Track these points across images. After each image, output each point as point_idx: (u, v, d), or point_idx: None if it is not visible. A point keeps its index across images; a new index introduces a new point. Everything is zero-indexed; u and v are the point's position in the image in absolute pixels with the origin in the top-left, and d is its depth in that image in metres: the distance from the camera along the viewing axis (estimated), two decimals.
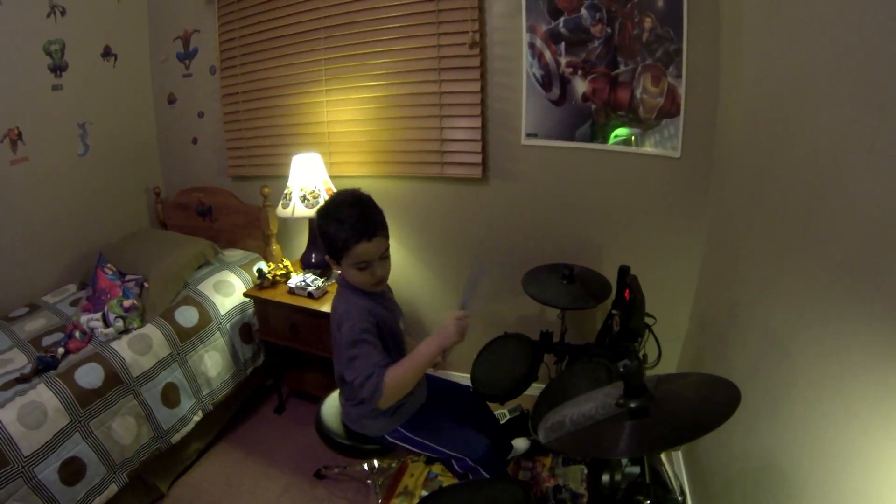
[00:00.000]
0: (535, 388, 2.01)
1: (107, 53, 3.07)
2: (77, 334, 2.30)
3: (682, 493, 1.42)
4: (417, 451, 1.83)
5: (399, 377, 1.57)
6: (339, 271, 1.70)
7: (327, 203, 1.68)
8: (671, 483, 1.54)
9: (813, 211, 1.21)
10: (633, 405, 1.08)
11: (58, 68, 2.83)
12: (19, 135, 2.67)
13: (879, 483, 0.90)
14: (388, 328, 1.73)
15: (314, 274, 2.65)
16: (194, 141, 3.35)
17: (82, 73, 2.94)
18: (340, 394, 1.90)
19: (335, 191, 2.67)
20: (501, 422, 2.47)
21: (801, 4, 1.34)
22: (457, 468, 1.81)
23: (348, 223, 1.58)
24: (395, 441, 1.83)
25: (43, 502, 1.85)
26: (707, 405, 1.07)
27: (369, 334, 1.61)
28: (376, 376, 1.54)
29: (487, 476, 1.75)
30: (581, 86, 2.30)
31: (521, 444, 2.38)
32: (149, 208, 3.45)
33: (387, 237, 1.67)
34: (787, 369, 1.28)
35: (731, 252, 1.86)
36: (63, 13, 2.80)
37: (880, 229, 0.93)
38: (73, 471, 1.94)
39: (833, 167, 1.12)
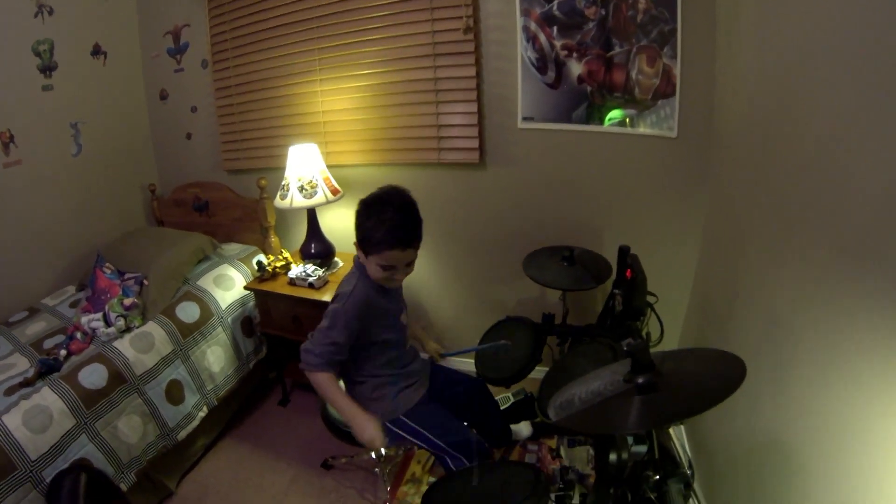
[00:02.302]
0: (539, 371, 2.03)
1: (96, 52, 3.04)
2: (78, 335, 2.29)
3: (691, 466, 1.43)
4: (416, 441, 1.85)
5: (322, 388, 1.68)
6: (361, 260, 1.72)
7: (374, 196, 1.66)
8: (679, 458, 1.56)
9: (813, 190, 1.22)
10: (640, 381, 1.09)
11: (47, 68, 2.80)
12: (11, 137, 2.64)
13: (882, 459, 0.91)
14: (387, 321, 1.77)
15: (314, 264, 2.64)
16: (188, 136, 3.33)
17: (72, 72, 2.91)
18: (343, 377, 1.90)
19: (334, 184, 2.66)
20: (506, 405, 2.48)
21: None
22: (451, 466, 1.82)
23: (388, 226, 1.58)
24: (394, 429, 1.84)
25: None
26: (713, 379, 1.08)
27: (348, 328, 1.67)
28: (320, 366, 1.67)
29: (464, 460, 1.78)
30: (576, 68, 2.29)
31: (523, 428, 2.39)
32: (145, 206, 3.44)
33: (418, 248, 1.69)
34: (790, 347, 1.30)
35: (732, 230, 1.86)
36: (51, 13, 2.76)
37: (881, 208, 0.93)
38: None
39: (833, 147, 1.12)
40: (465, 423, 1.91)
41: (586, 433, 1.91)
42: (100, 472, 1.88)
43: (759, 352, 1.45)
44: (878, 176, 0.95)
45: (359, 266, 1.75)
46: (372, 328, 1.72)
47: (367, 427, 1.62)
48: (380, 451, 1.68)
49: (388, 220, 1.58)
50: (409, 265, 1.70)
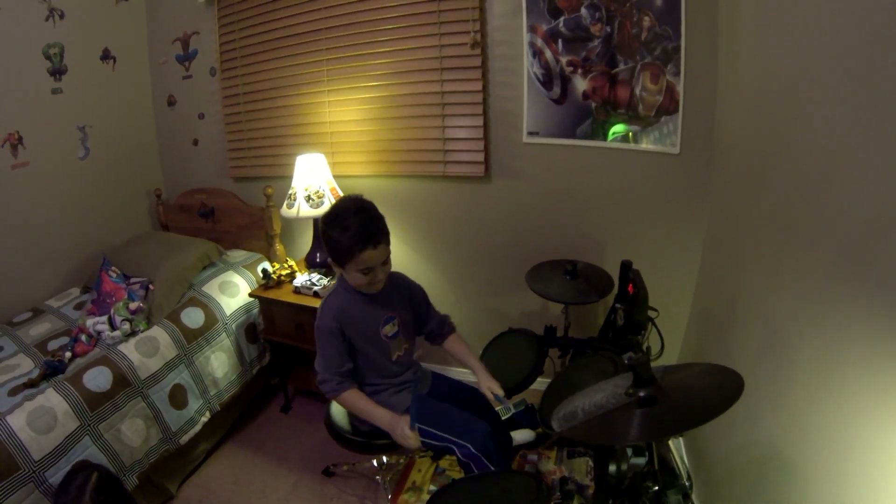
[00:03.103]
0: (540, 383, 2.05)
1: (106, 56, 3.08)
2: (83, 338, 2.30)
3: (689, 478, 1.45)
4: (422, 439, 1.86)
5: (352, 405, 1.80)
6: (339, 273, 1.78)
7: (331, 210, 1.72)
8: (678, 469, 1.58)
9: (812, 205, 1.24)
10: (642, 394, 1.12)
11: (57, 72, 2.83)
12: (20, 139, 2.67)
13: (880, 470, 0.92)
14: (361, 331, 1.81)
15: (319, 273, 2.67)
16: (195, 142, 3.36)
17: (82, 76, 2.94)
18: None
19: (340, 194, 2.69)
20: (507, 416, 2.49)
21: (798, 1, 1.37)
22: (460, 455, 1.83)
23: (353, 230, 1.63)
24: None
25: None
26: (712, 392, 1.11)
27: (332, 336, 1.75)
28: (335, 384, 1.76)
29: (489, 464, 1.79)
30: (581, 84, 2.33)
31: (525, 435, 2.41)
32: (150, 211, 3.46)
33: (388, 243, 1.74)
34: (789, 359, 1.31)
35: (732, 245, 1.89)
36: (62, 16, 2.80)
37: (878, 222, 0.95)
38: None
39: (832, 162, 1.15)
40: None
41: (589, 444, 1.93)
42: (112, 473, 1.89)
43: (758, 364, 1.48)
44: (874, 190, 0.97)
45: (339, 280, 1.82)
46: (351, 335, 1.79)
47: (397, 427, 1.70)
48: (416, 448, 1.73)
49: (350, 224, 1.63)
50: (386, 263, 1.75)
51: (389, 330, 1.86)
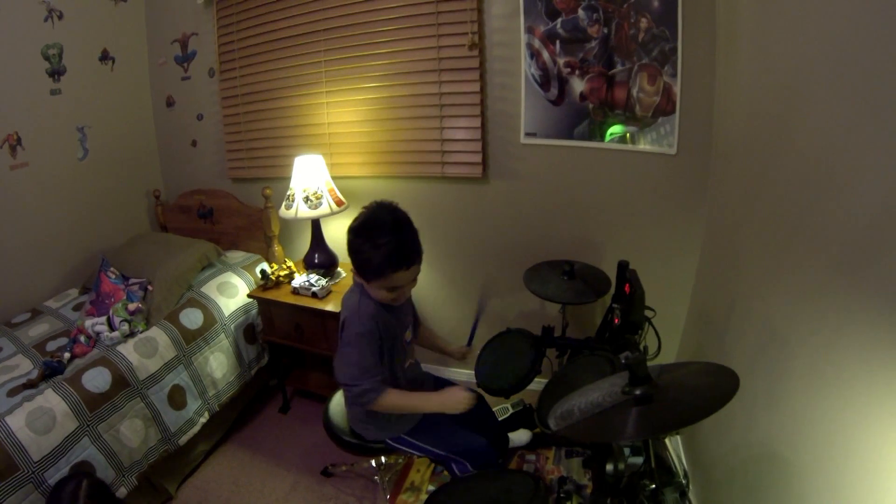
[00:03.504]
0: (538, 383, 2.05)
1: (105, 57, 3.08)
2: (82, 338, 2.30)
3: (686, 476, 1.46)
4: (418, 454, 1.87)
5: (395, 405, 1.67)
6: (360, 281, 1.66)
7: (365, 222, 1.57)
8: (675, 468, 1.59)
9: (809, 206, 1.25)
10: (638, 392, 1.13)
11: (56, 72, 2.83)
12: (18, 140, 2.67)
13: (877, 470, 0.93)
14: (389, 336, 1.70)
15: (318, 274, 2.67)
16: (194, 143, 3.36)
17: (81, 76, 2.95)
18: (343, 393, 1.92)
19: (339, 195, 2.69)
20: (505, 416, 2.51)
21: (795, 2, 1.37)
22: (456, 471, 1.84)
23: (387, 249, 1.51)
24: (396, 445, 1.86)
25: None
26: (708, 390, 1.12)
27: (372, 341, 1.61)
28: (376, 392, 1.60)
29: None
30: (579, 85, 2.34)
31: (522, 436, 2.42)
32: (149, 211, 3.46)
33: (421, 261, 1.62)
34: (786, 359, 1.32)
35: (730, 246, 1.90)
36: (60, 17, 2.80)
37: (876, 224, 0.96)
38: None
39: (829, 163, 1.15)
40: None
41: (585, 442, 1.94)
42: (100, 480, 1.90)
43: (755, 364, 1.48)
44: (871, 192, 0.98)
45: (359, 284, 1.68)
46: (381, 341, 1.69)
47: (452, 404, 1.65)
48: (472, 401, 1.64)
49: (385, 243, 1.50)
50: (414, 280, 1.66)
51: (408, 335, 1.82)
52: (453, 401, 1.63)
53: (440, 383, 2.05)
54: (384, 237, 1.51)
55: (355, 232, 1.57)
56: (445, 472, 2.32)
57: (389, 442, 1.86)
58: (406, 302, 1.81)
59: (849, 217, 1.06)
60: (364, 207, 1.62)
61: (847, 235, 1.07)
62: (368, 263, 1.54)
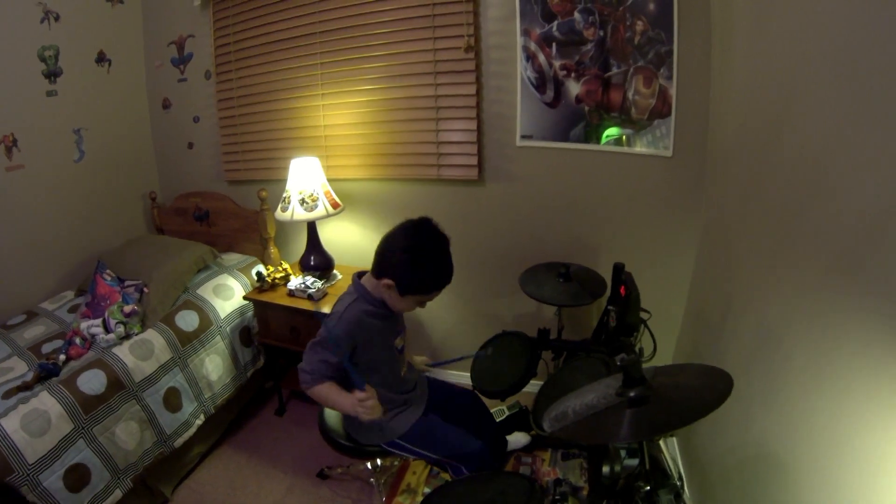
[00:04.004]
0: (534, 385, 2.05)
1: (101, 59, 3.08)
2: (78, 341, 2.30)
3: (681, 478, 1.47)
4: (413, 457, 1.88)
5: (322, 397, 1.69)
6: (387, 293, 1.68)
7: (413, 240, 1.66)
8: (670, 469, 1.59)
9: (804, 208, 1.25)
10: (632, 394, 1.13)
11: (52, 74, 2.83)
12: (14, 141, 2.67)
13: (872, 470, 0.93)
14: (376, 345, 1.74)
15: (314, 276, 2.67)
16: (190, 146, 3.36)
17: (77, 78, 2.95)
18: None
19: (335, 198, 2.68)
20: (501, 418, 2.51)
21: (790, 6, 1.38)
22: (452, 475, 1.85)
23: (435, 273, 1.64)
24: (391, 449, 1.87)
25: None
26: (703, 392, 1.12)
27: (337, 348, 1.64)
28: (313, 380, 1.67)
29: None
30: (574, 88, 2.34)
31: (520, 438, 2.42)
32: (145, 214, 3.46)
33: None
34: (781, 360, 1.32)
35: (725, 248, 1.90)
36: (57, 19, 2.80)
37: (870, 224, 0.96)
38: (77, 477, 1.94)
39: (824, 164, 1.16)
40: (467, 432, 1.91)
41: (580, 443, 1.95)
42: (8, 484, 1.81)
43: (751, 365, 1.49)
44: (865, 192, 0.98)
45: (358, 288, 1.73)
46: (362, 349, 1.71)
47: (356, 407, 1.61)
48: (374, 413, 1.61)
49: (434, 269, 1.64)
50: None
51: (399, 343, 1.84)
52: (359, 409, 1.60)
53: (435, 386, 2.05)
54: (433, 261, 1.64)
55: (403, 248, 1.64)
56: (442, 474, 2.33)
57: (384, 446, 1.86)
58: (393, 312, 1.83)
59: (843, 218, 1.07)
60: (408, 222, 1.69)
61: (841, 236, 1.07)
62: (413, 281, 1.64)
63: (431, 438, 1.84)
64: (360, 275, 1.77)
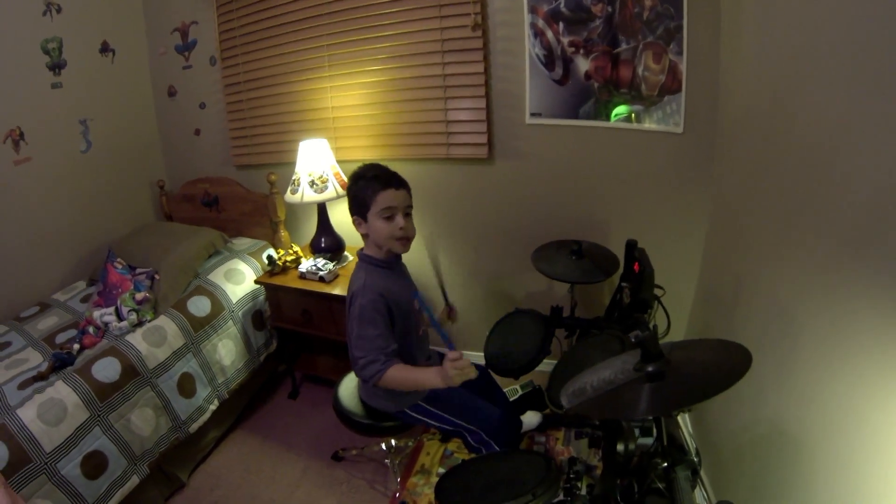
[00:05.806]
0: (547, 364, 2.05)
1: (105, 49, 3.07)
2: (91, 330, 2.32)
3: (698, 454, 1.46)
4: (434, 423, 1.88)
5: (399, 379, 1.65)
6: (364, 232, 1.78)
7: (355, 171, 1.79)
8: (688, 445, 1.58)
9: (816, 182, 1.24)
10: (650, 369, 1.12)
11: (56, 66, 2.82)
12: (21, 135, 2.67)
13: (886, 447, 0.93)
14: (401, 307, 1.76)
15: (325, 258, 2.67)
16: (196, 132, 3.35)
17: (81, 69, 2.94)
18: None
19: (344, 179, 2.68)
20: (514, 397, 2.51)
21: None
22: (471, 441, 1.85)
23: (372, 174, 1.72)
24: (414, 414, 1.87)
25: (67, 497, 1.87)
26: (720, 367, 1.11)
27: (378, 314, 1.66)
28: (381, 364, 1.62)
29: (499, 449, 1.79)
30: (583, 65, 2.31)
31: (533, 418, 2.42)
32: (153, 202, 3.46)
33: (409, 195, 1.77)
34: (794, 336, 1.32)
35: (737, 224, 1.89)
36: (59, 10, 2.78)
37: (882, 200, 0.95)
38: (94, 465, 1.97)
39: (835, 142, 1.14)
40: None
41: (598, 419, 1.94)
42: None
43: (763, 342, 1.47)
44: (876, 168, 0.97)
45: (363, 257, 1.80)
46: (394, 307, 1.72)
47: (448, 378, 1.55)
48: (473, 370, 1.54)
49: (370, 173, 1.73)
50: (409, 215, 1.76)
51: (419, 304, 1.84)
52: (454, 371, 1.54)
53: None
54: (370, 171, 1.74)
55: (350, 180, 1.78)
56: (455, 455, 2.34)
57: (407, 411, 1.86)
58: (403, 272, 1.90)
59: (855, 193, 1.05)
60: None
61: (853, 213, 1.06)
62: (360, 193, 1.72)
63: (452, 403, 1.85)
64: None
